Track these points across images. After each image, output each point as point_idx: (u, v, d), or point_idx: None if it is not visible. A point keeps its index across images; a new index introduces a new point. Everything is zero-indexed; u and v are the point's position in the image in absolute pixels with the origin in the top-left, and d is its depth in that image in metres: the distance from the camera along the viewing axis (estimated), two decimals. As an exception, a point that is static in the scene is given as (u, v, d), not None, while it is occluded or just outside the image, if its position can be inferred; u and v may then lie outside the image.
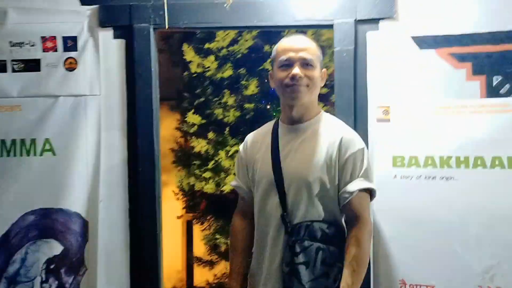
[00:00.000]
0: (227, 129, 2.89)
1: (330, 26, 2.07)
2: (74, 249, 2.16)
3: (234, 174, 2.06)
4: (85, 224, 2.17)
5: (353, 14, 2.05)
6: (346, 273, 1.62)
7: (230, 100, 2.87)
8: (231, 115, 2.87)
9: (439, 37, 2.03)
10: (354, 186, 1.67)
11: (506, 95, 1.99)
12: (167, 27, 2.09)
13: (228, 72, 2.83)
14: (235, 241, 1.94)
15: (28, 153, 2.17)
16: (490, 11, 2.00)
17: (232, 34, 2.82)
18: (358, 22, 2.05)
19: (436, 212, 1.83)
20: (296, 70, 1.71)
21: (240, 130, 2.93)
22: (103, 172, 2.16)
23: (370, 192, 1.70)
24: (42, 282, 2.14)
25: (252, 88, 2.83)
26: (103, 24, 2.15)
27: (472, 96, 2.01)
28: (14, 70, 2.18)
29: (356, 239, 1.65)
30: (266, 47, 2.86)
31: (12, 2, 2.14)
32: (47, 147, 2.17)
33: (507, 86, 2.01)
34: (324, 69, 1.82)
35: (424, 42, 2.05)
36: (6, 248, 2.15)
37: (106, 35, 2.17)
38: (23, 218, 2.16)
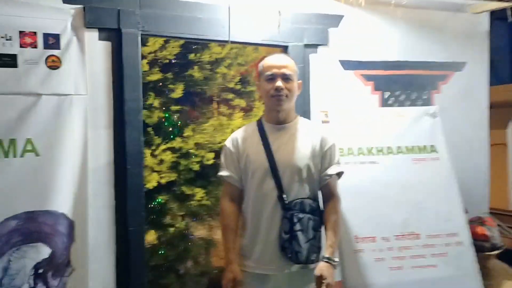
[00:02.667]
0: (151, 129, 3.07)
1: (286, 47, 2.62)
2: (60, 251, 2.13)
3: (221, 166, 2.38)
4: (71, 224, 2.16)
5: (302, 40, 2.65)
6: (330, 234, 2.19)
7: (155, 102, 3.07)
8: (155, 116, 3.08)
9: (355, 62, 2.83)
10: (332, 170, 2.26)
11: (393, 105, 2.92)
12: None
13: (156, 76, 3.02)
14: (228, 221, 2.26)
15: (6, 155, 2.03)
16: (386, 46, 2.89)
17: (161, 40, 3.03)
18: (305, 46, 2.66)
19: (369, 186, 2.59)
20: (279, 83, 2.19)
21: (162, 130, 3.16)
22: (90, 171, 2.19)
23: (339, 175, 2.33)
24: (31, 288, 2.05)
25: (178, 91, 3.11)
26: (88, 25, 2.18)
27: (374, 106, 2.87)
28: (-15, 64, 2.01)
29: (334, 209, 2.24)
30: (191, 56, 3.18)
31: (-12, -9, 1.98)
32: (29, 147, 2.07)
33: (393, 99, 2.95)
34: (299, 81, 2.36)
35: (346, 64, 2.81)
36: (-15, 259, 1.98)
37: (91, 36, 2.20)
38: (4, 224, 2.01)
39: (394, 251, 2.55)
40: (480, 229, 2.78)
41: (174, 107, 3.16)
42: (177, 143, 3.16)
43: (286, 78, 2.16)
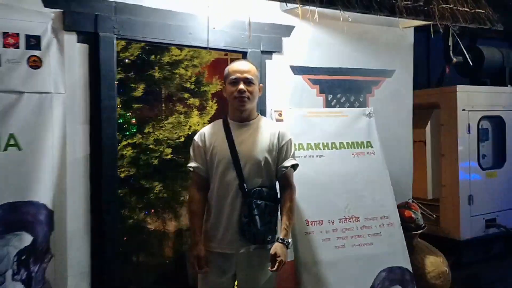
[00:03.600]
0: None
1: (246, 53, 2.92)
2: (41, 239, 2.28)
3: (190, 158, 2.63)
4: (50, 214, 2.31)
5: (259, 47, 2.97)
6: (284, 219, 2.53)
7: (117, 100, 3.22)
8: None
9: (303, 67, 3.20)
10: (288, 162, 2.59)
11: (335, 106, 3.34)
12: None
13: (119, 75, 3.17)
14: (195, 208, 2.52)
15: (-11, 149, 2.15)
16: (330, 54, 3.30)
17: (123, 42, 3.18)
18: (262, 52, 2.99)
19: (317, 177, 2.97)
20: (241, 86, 2.50)
21: (124, 126, 3.32)
22: (69, 164, 2.36)
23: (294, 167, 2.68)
24: (14, 274, 2.18)
25: (139, 90, 3.29)
26: (67, 28, 2.35)
27: (320, 106, 3.26)
28: (-32, 63, 2.11)
29: (290, 197, 2.58)
30: (152, 57, 3.37)
31: (-28, -7, 2.09)
32: (12, 142, 2.20)
33: (335, 101, 3.36)
34: (261, 85, 2.67)
35: (296, 70, 3.18)
36: (-31, 248, 2.09)
37: (70, 38, 2.37)
38: (-13, 214, 2.13)
39: (338, 232, 2.96)
40: (407, 213, 3.27)
41: (135, 105, 3.35)
42: (137, 139, 3.35)
43: (248, 82, 2.46)
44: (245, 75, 2.46)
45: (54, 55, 2.32)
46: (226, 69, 2.52)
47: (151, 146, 3.40)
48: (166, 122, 3.44)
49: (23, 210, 2.22)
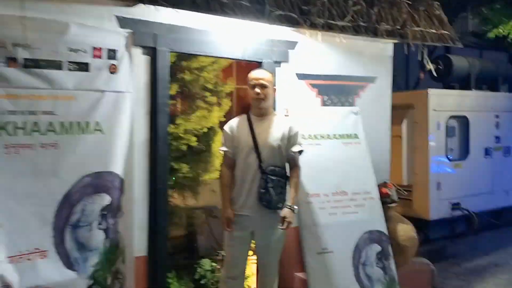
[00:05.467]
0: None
1: (261, 63, 3.74)
2: (115, 200, 3.07)
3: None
4: (121, 181, 3.10)
5: (271, 57, 3.80)
6: (292, 191, 3.36)
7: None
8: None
9: (306, 74, 4.04)
10: (296, 148, 3.42)
11: (330, 105, 4.19)
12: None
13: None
14: (225, 181, 3.34)
15: (83, 132, 2.92)
16: (326, 64, 4.14)
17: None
18: (274, 62, 3.82)
19: (316, 160, 3.83)
20: (257, 89, 3.31)
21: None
22: (135, 145, 3.16)
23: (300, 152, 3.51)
24: (98, 224, 2.97)
25: (174, 90, 4.08)
26: (135, 44, 3.14)
27: (318, 105, 4.12)
28: (69, 69, 2.88)
29: (296, 174, 3.41)
30: (183, 63, 4.16)
31: (73, 18, 2.85)
32: (97, 127, 2.98)
33: (330, 101, 4.22)
34: (274, 87, 3.49)
35: (300, 76, 4.02)
36: (69, 203, 2.86)
37: (137, 51, 3.16)
38: (81, 180, 2.92)
39: (331, 203, 3.83)
40: (384, 190, 4.15)
41: (170, 101, 4.14)
42: (171, 128, 4.14)
43: (262, 86, 3.27)
44: (261, 81, 3.26)
45: (126, 64, 3.10)
46: (248, 76, 3.33)
47: (181, 135, 4.20)
48: (193, 115, 4.25)
49: (104, 178, 3.00)
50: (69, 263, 2.84)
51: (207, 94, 4.47)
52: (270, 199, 3.20)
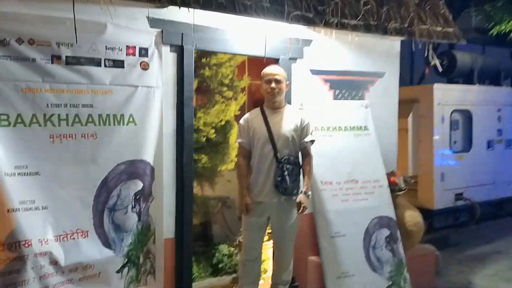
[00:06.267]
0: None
1: (278, 59, 4.00)
2: (147, 186, 3.35)
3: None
4: (152, 169, 3.37)
5: (287, 54, 4.05)
6: (306, 178, 3.62)
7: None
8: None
9: (319, 70, 4.29)
10: (308, 138, 3.67)
11: (341, 99, 4.44)
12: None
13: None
14: (242, 170, 3.59)
15: (119, 123, 3.19)
16: (338, 60, 4.39)
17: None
18: (290, 58, 4.07)
19: (328, 150, 4.09)
20: (273, 84, 3.56)
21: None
22: (164, 135, 3.43)
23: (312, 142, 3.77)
24: (132, 208, 3.25)
25: (195, 85, 4.32)
26: (164, 42, 3.39)
27: (330, 98, 4.37)
28: (106, 66, 3.15)
29: (309, 163, 3.66)
30: (203, 60, 4.42)
31: (110, 19, 3.11)
32: (131, 119, 3.25)
33: (340, 95, 4.47)
34: (287, 82, 3.73)
35: (314, 72, 4.27)
36: (107, 188, 3.14)
37: (166, 49, 3.42)
38: (117, 167, 3.19)
39: (343, 190, 4.10)
40: (392, 178, 4.40)
41: (191, 96, 4.41)
42: (191, 121, 4.41)
43: (277, 81, 3.52)
44: (276, 76, 3.52)
45: (156, 60, 3.36)
46: (263, 71, 3.58)
47: (200, 127, 4.47)
48: (212, 109, 4.51)
49: (137, 165, 3.28)
50: (107, 243, 3.12)
51: (224, 89, 4.73)
52: (286, 186, 3.45)
